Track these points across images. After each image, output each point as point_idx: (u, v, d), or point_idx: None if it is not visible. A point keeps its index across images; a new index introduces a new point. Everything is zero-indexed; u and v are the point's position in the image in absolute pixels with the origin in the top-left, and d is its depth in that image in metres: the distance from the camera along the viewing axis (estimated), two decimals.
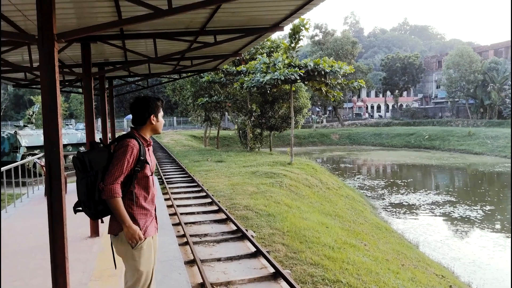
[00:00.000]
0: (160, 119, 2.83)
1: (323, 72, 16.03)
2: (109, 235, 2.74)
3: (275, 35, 59.08)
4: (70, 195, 2.74)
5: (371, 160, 33.88)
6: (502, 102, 44.20)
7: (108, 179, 2.56)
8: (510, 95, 42.85)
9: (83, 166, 2.59)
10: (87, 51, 5.94)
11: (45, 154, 3.06)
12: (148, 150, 2.82)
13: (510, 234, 12.36)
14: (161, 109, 2.84)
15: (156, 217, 2.89)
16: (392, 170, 28.47)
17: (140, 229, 2.67)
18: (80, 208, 2.69)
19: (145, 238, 2.69)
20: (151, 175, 2.79)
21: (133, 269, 2.68)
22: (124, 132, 3.06)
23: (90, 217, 2.72)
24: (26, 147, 14.14)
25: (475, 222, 13.70)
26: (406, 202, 16.77)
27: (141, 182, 2.72)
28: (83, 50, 5.92)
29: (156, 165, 17.14)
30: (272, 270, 5.29)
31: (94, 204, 2.61)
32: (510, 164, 27.78)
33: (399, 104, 64.52)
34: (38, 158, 11.31)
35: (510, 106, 43.02)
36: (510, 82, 43.77)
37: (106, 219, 2.76)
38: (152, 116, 2.77)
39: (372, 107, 72.77)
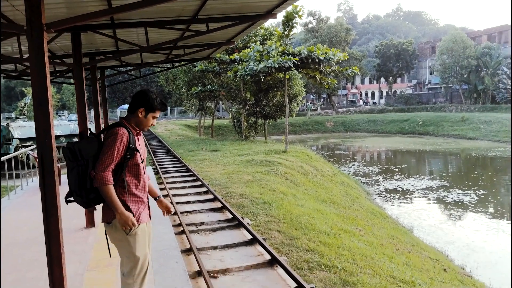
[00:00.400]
0: (148, 117, 2.79)
1: (317, 60, 15.98)
2: (103, 223, 2.76)
3: (268, 23, 58.67)
4: (64, 186, 2.73)
5: (366, 146, 34.03)
6: (495, 87, 44.37)
7: (99, 167, 2.58)
8: (503, 80, 42.99)
9: (74, 155, 2.61)
10: (77, 41, 5.86)
11: (37, 146, 3.03)
12: (138, 139, 2.82)
13: (508, 219, 12.53)
14: (155, 110, 2.79)
15: (148, 204, 2.92)
16: (386, 156, 28.63)
17: (133, 216, 2.69)
18: (72, 199, 2.71)
19: (139, 224, 2.72)
20: (142, 162, 2.81)
21: (129, 256, 2.70)
22: None
23: (83, 206, 2.73)
24: (19, 139, 14.05)
25: (469, 206, 13.86)
26: (401, 187, 16.91)
27: (131, 170, 2.74)
28: (73, 40, 5.84)
29: (151, 154, 17.10)
30: (268, 257, 5.33)
31: (85, 193, 2.63)
32: (503, 149, 28.03)
33: (393, 90, 64.59)
34: (31, 150, 11.24)
35: (503, 91, 43.23)
36: (503, 67, 43.90)
37: (99, 207, 2.77)
38: (141, 108, 2.75)
39: (366, 94, 72.80)
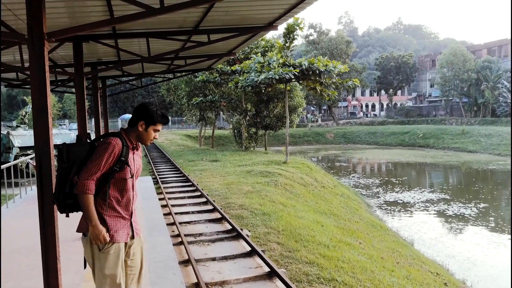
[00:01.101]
0: (149, 130, 2.70)
1: (317, 71, 16.06)
2: (80, 234, 2.68)
3: (270, 35, 59.15)
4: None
5: (366, 158, 33.98)
6: (496, 100, 44.49)
7: (83, 174, 2.50)
8: (503, 93, 43.13)
9: (60, 156, 2.56)
10: (79, 51, 5.89)
11: (36, 153, 3.03)
12: (134, 153, 2.73)
13: (509, 233, 12.44)
14: (158, 125, 2.71)
15: (131, 223, 2.75)
16: (386, 169, 28.57)
17: (108, 231, 2.58)
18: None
19: (113, 243, 2.60)
20: (131, 177, 2.69)
21: (98, 272, 2.61)
22: None
23: (58, 210, 2.64)
24: (19, 147, 14.03)
25: (470, 220, 13.77)
26: (401, 200, 16.83)
27: (117, 184, 2.63)
28: (75, 49, 5.87)
29: (151, 164, 17.07)
30: (267, 269, 5.28)
31: (63, 197, 2.55)
32: (503, 162, 27.97)
33: (393, 103, 64.77)
34: (31, 159, 11.22)
35: (503, 104, 43.32)
36: (503, 81, 44.07)
37: (74, 215, 2.68)
38: (141, 122, 2.68)
39: (366, 106, 72.99)
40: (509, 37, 52.07)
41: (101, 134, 2.79)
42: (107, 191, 2.59)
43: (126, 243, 2.71)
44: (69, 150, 2.55)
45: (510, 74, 42.38)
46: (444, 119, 48.62)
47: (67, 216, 2.68)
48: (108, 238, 2.57)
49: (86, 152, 2.57)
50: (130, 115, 2.85)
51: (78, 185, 2.49)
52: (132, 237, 2.76)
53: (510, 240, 11.61)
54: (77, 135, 2.69)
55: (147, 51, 6.67)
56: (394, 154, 35.69)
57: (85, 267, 2.78)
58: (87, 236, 2.60)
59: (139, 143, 2.81)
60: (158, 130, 2.77)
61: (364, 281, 5.42)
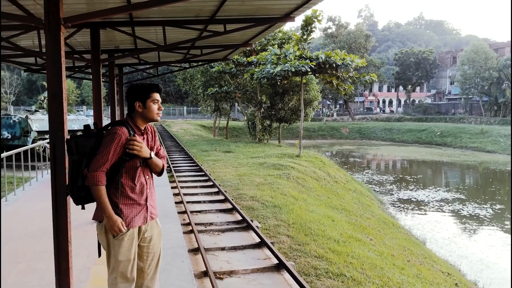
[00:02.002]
0: (148, 105, 2.64)
1: (334, 65, 15.87)
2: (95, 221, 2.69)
3: (287, 27, 58.56)
4: None
5: (381, 155, 33.62)
6: None
7: (92, 166, 2.50)
8: None
9: (69, 149, 2.56)
10: (96, 37, 5.92)
11: (50, 139, 3.06)
12: (144, 138, 2.70)
13: None
14: (152, 95, 2.65)
15: (147, 206, 2.72)
16: (401, 166, 28.23)
17: (124, 220, 2.59)
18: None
19: (128, 229, 2.61)
20: (142, 164, 2.65)
21: (112, 258, 2.62)
22: None
23: (74, 202, 2.66)
24: (37, 131, 14.31)
25: (484, 221, 13.53)
26: (415, 198, 16.63)
27: (129, 172, 2.62)
28: (92, 35, 5.91)
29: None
30: (275, 261, 5.28)
31: (77, 190, 2.56)
32: None
33: (411, 99, 63.74)
34: (48, 143, 11.43)
35: None
36: None
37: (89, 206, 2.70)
38: (136, 103, 2.63)
39: (383, 101, 72.05)
40: (509, 30, 50.54)
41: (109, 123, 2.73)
42: (119, 180, 2.58)
43: (140, 228, 2.70)
44: (77, 142, 2.54)
45: None
46: (463, 118, 47.63)
47: (83, 208, 2.70)
48: (124, 229, 2.57)
49: (94, 143, 2.56)
50: None
51: (88, 177, 2.49)
52: (146, 221, 2.73)
53: (510, 240, 11.42)
54: (84, 125, 2.67)
55: (164, 40, 6.68)
56: (410, 151, 35.21)
57: (99, 254, 2.79)
58: (102, 223, 2.61)
59: (149, 126, 2.78)
60: (158, 100, 2.69)
61: (373, 277, 5.38)
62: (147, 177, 2.74)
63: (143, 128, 2.73)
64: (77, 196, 2.58)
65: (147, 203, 2.74)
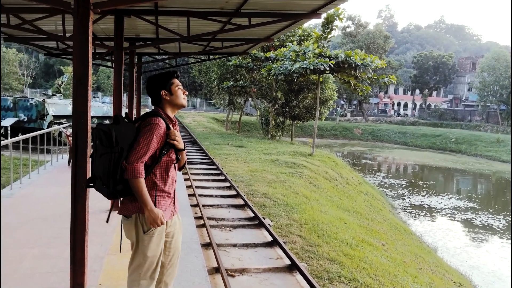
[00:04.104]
0: (175, 91, 2.61)
1: (353, 65, 15.67)
2: (121, 216, 2.60)
3: (307, 24, 58.11)
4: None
5: (393, 158, 33.25)
6: None
7: (132, 157, 2.39)
8: None
9: (109, 140, 2.40)
10: (120, 25, 5.88)
11: (73, 125, 3.01)
12: (176, 130, 2.66)
13: None
14: (174, 81, 2.62)
15: (174, 200, 2.70)
16: (414, 171, 27.88)
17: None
18: (92, 184, 2.53)
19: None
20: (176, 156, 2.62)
21: (140, 254, 2.54)
22: (148, 110, 2.88)
23: (106, 196, 2.52)
24: (53, 115, 14.40)
25: (497, 232, 13.27)
26: (427, 204, 16.38)
27: (163, 165, 2.56)
28: (116, 23, 5.86)
29: None
30: (288, 261, 5.20)
31: (113, 183, 2.43)
32: None
33: (427, 103, 62.84)
34: (64, 128, 11.49)
35: None
36: None
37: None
38: (162, 91, 2.58)
39: (398, 104, 71.17)
40: (510, 28, 49.41)
41: (134, 110, 2.66)
42: (155, 172, 2.52)
43: (166, 223, 2.62)
44: (117, 133, 2.41)
45: None
46: (479, 125, 46.83)
47: (120, 201, 2.61)
48: (165, 221, 2.51)
49: (134, 134, 2.46)
50: None
51: (128, 169, 2.38)
52: (173, 214, 2.69)
53: (510, 241, 11.18)
54: (114, 115, 2.57)
55: (186, 31, 6.60)
56: (423, 156, 34.74)
57: (120, 250, 2.73)
58: (131, 218, 2.53)
59: (175, 119, 2.73)
60: (180, 85, 2.67)
61: (387, 284, 5.27)
62: (175, 170, 2.69)
63: (173, 118, 2.67)
64: (113, 189, 2.44)
65: (174, 196, 2.70)
